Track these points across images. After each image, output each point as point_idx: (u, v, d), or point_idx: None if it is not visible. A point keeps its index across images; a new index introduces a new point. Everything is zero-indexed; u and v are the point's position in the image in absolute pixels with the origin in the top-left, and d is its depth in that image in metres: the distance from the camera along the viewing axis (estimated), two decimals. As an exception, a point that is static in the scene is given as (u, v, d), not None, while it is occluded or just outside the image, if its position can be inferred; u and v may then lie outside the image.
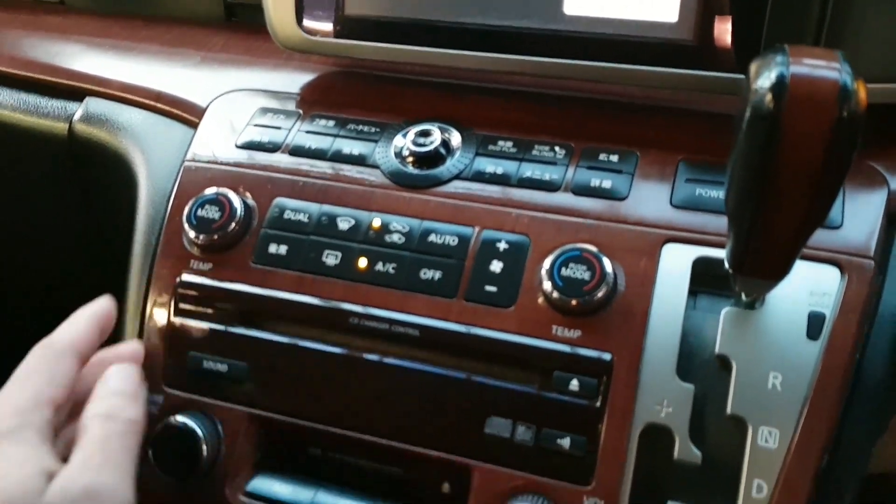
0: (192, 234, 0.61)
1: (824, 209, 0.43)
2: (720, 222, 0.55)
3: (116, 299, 0.66)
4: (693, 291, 0.55)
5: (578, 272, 0.53)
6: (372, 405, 0.56)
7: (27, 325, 1.11)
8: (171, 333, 0.61)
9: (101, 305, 0.59)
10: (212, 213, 0.61)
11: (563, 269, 0.54)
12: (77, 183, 0.80)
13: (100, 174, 0.77)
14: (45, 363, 0.52)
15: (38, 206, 0.87)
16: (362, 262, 0.59)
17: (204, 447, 0.57)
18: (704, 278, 0.55)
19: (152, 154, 0.71)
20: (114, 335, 0.64)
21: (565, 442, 0.52)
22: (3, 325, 1.05)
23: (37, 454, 0.47)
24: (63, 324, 0.56)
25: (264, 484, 0.58)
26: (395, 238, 0.59)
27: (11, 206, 0.89)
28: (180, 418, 0.57)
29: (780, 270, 0.47)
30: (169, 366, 0.60)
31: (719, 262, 0.54)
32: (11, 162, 0.84)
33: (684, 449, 0.50)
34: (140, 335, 0.62)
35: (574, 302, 0.53)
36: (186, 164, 0.67)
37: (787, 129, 0.39)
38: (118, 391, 0.53)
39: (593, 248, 0.55)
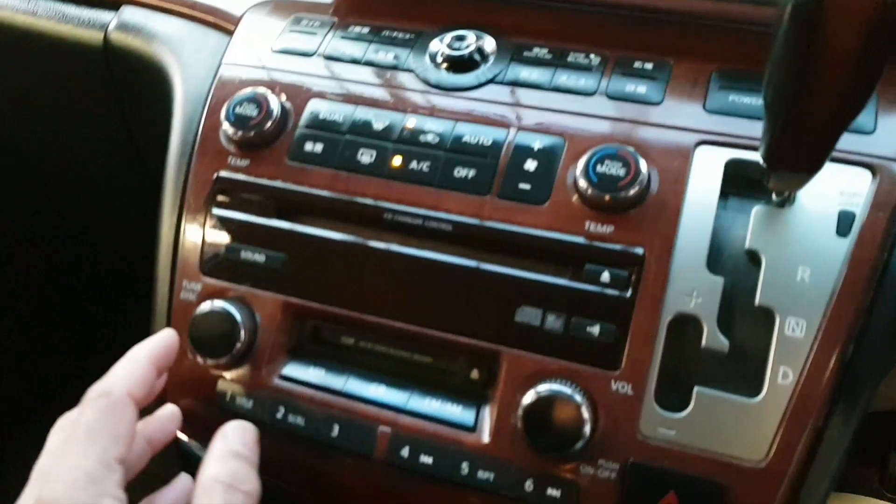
0: (230, 130, 0.62)
1: (862, 98, 0.43)
2: (753, 128, 0.56)
3: (153, 200, 0.67)
4: (724, 193, 0.56)
5: (613, 169, 0.54)
6: (405, 295, 0.58)
7: (67, 231, 1.14)
8: (209, 226, 0.62)
9: (161, 342, 0.56)
10: (249, 110, 0.62)
11: (599, 166, 0.55)
12: (112, 91, 0.81)
13: (135, 82, 0.78)
14: (106, 418, 0.48)
15: (75, 115, 0.88)
16: (397, 161, 0.60)
17: (241, 332, 0.59)
18: (736, 181, 0.56)
19: (188, 61, 0.72)
20: (150, 235, 0.66)
21: (595, 329, 0.53)
22: (44, 235, 1.07)
23: None
24: (119, 364, 0.53)
25: (298, 369, 0.60)
26: (430, 138, 0.60)
27: (48, 116, 0.90)
28: (218, 303, 0.59)
29: (814, 162, 0.47)
30: (207, 256, 0.62)
31: (752, 164, 0.55)
32: (48, 71, 0.85)
33: (712, 337, 0.51)
34: (177, 230, 0.64)
35: (607, 197, 0.54)
36: (223, 67, 0.68)
37: (829, 13, 0.39)
38: (239, 455, 0.50)
39: (629, 147, 0.55)
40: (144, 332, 0.61)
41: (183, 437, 0.64)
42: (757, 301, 0.52)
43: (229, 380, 0.60)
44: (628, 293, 0.53)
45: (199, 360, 0.60)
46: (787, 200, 0.53)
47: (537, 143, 0.58)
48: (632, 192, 0.54)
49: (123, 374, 0.52)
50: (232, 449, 0.50)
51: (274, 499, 0.56)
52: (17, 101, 0.90)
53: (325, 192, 0.60)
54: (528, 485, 0.54)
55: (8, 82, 0.90)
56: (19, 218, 1.32)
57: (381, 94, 0.63)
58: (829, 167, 0.52)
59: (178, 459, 0.66)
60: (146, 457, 0.57)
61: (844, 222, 0.52)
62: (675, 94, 0.59)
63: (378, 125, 0.61)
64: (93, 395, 0.50)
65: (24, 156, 1.02)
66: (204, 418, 0.62)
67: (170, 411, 0.60)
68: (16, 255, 1.48)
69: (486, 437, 0.55)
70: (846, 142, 0.53)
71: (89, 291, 1.66)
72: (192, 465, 0.65)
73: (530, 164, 0.57)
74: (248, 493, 0.48)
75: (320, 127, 0.62)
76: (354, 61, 0.66)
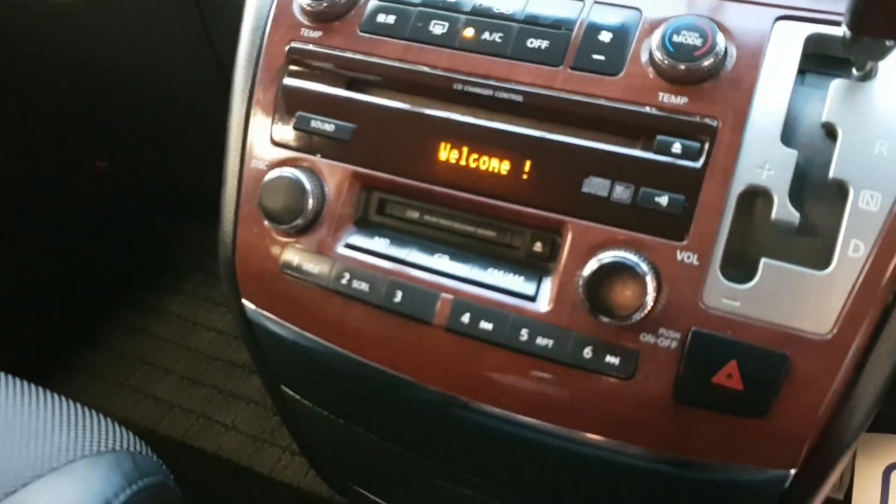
0: (304, 2, 0.63)
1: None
2: (836, 3, 0.55)
3: (224, 77, 0.68)
4: (802, 71, 0.54)
5: (690, 38, 0.54)
6: (471, 165, 0.58)
7: (138, 140, 1.17)
8: (281, 95, 0.63)
9: None
10: (323, -20, 0.62)
11: (675, 37, 0.54)
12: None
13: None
14: None
15: (149, 5, 0.90)
16: (468, 32, 0.60)
17: (310, 199, 0.60)
18: (815, 58, 0.55)
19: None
20: (220, 113, 0.67)
21: (663, 200, 0.53)
22: (115, 144, 1.10)
23: None
24: None
25: (364, 239, 0.61)
26: (504, 9, 0.60)
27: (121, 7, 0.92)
28: (288, 170, 0.60)
29: (901, 27, 0.46)
30: (277, 125, 0.63)
31: (833, 38, 0.54)
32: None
33: (782, 209, 0.51)
34: (249, 101, 0.65)
35: (683, 66, 0.53)
36: (296, -56, 0.68)
37: None
38: None
39: (706, 19, 0.55)
40: (205, 247, 0.63)
41: (249, 304, 0.66)
42: (831, 174, 0.51)
43: (296, 246, 0.62)
44: (699, 164, 0.53)
45: (268, 226, 0.62)
46: (868, 75, 0.52)
47: (613, 15, 0.57)
48: (706, 62, 0.53)
49: None
50: None
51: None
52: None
53: (395, 63, 0.61)
54: (587, 352, 0.55)
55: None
56: (90, 124, 1.35)
57: (453, -30, 0.63)
58: (914, 42, 0.51)
59: (243, 327, 0.68)
60: None
61: (928, 96, 0.51)
62: (756, -28, 0.58)
63: (451, -2, 0.61)
64: None
65: (97, 56, 1.05)
66: (269, 286, 0.64)
67: None
68: (88, 164, 1.52)
69: (546, 306, 0.56)
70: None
71: (155, 206, 1.70)
72: (255, 332, 0.67)
73: (605, 36, 0.57)
74: None
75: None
76: (427, -61, 0.65)
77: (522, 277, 0.58)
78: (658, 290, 0.53)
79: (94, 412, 0.85)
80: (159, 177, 1.58)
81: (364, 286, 0.60)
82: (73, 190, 1.57)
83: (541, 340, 0.56)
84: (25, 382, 0.86)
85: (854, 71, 0.52)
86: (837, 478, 0.59)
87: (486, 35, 0.59)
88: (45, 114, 1.37)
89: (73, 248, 1.63)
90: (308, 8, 0.63)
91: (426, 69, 0.60)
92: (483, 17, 0.60)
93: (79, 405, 0.85)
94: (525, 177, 0.57)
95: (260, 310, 0.66)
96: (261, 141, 0.64)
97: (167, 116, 1.16)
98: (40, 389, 0.86)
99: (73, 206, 1.59)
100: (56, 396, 0.86)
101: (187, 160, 1.38)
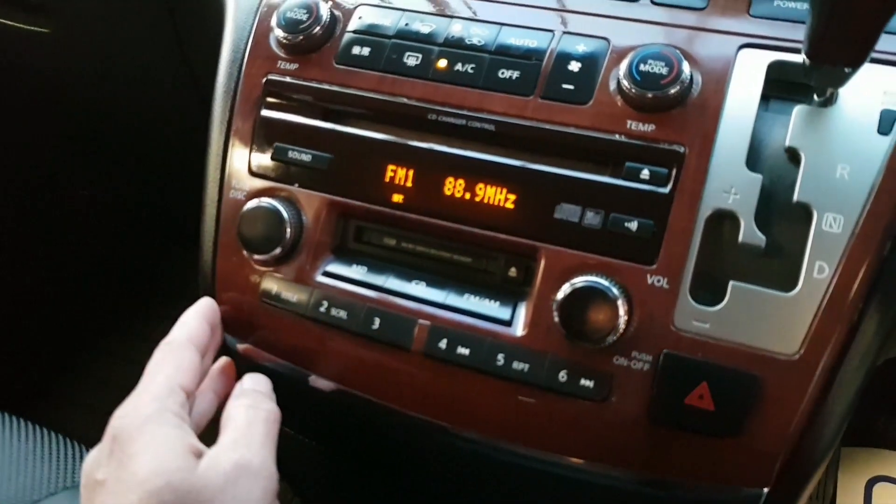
0: (280, 34, 0.64)
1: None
2: (797, 31, 0.56)
3: (203, 109, 0.69)
4: (766, 97, 0.56)
5: (657, 67, 0.55)
6: (445, 193, 0.59)
7: (120, 170, 1.17)
8: (258, 126, 0.64)
9: (204, 304, 0.63)
10: (300, 14, 0.64)
11: (642, 66, 0.55)
12: (166, 6, 0.83)
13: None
14: (170, 356, 0.56)
15: (128, 34, 0.90)
16: (441, 63, 0.61)
17: (287, 228, 0.61)
18: (778, 84, 0.56)
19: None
20: (201, 140, 0.68)
21: (632, 225, 0.54)
22: (98, 174, 1.10)
23: (180, 434, 0.50)
24: (176, 324, 0.60)
25: (341, 267, 0.62)
26: (475, 41, 0.61)
27: (101, 38, 0.92)
28: (266, 200, 0.61)
29: (857, 55, 0.48)
30: (255, 156, 0.64)
31: (794, 65, 0.55)
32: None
33: (749, 233, 0.52)
34: (227, 132, 0.66)
35: (650, 95, 0.55)
36: (273, -22, 0.69)
37: None
38: (255, 389, 0.58)
39: (672, 48, 0.56)
40: (190, 272, 0.64)
41: (228, 336, 0.67)
42: (795, 198, 0.52)
43: (275, 275, 0.63)
44: (667, 189, 0.54)
45: (247, 255, 0.63)
46: (829, 100, 0.54)
47: (581, 45, 0.59)
48: (673, 90, 0.55)
49: (181, 327, 0.60)
50: (247, 387, 0.58)
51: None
52: (68, 20, 0.93)
53: (370, 94, 0.62)
54: (562, 375, 0.55)
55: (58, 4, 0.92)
56: (72, 154, 1.35)
57: (427, 1, 0.64)
58: (872, 68, 0.53)
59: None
60: (214, 406, 0.62)
61: (887, 120, 0.52)
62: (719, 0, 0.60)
63: (424, 29, 0.62)
64: (160, 346, 0.57)
65: (77, 85, 1.05)
66: (248, 314, 0.65)
67: (226, 362, 0.65)
68: (70, 194, 1.52)
69: (521, 330, 0.57)
70: (890, 43, 0.53)
71: (139, 233, 1.70)
72: (236, 361, 0.67)
73: (574, 66, 0.58)
74: (267, 410, 0.56)
75: (367, 31, 0.63)
76: (401, -28, 0.67)
77: (498, 303, 0.59)
78: (630, 313, 0.54)
79: (75, 443, 0.85)
80: (142, 203, 1.58)
81: (342, 314, 0.61)
82: (55, 218, 1.57)
83: (517, 365, 0.56)
84: (6, 414, 0.86)
85: (815, 97, 0.54)
86: (817, 493, 0.59)
87: (458, 66, 0.60)
88: (27, 144, 1.37)
89: (56, 277, 1.62)
90: (284, 41, 0.64)
91: (400, 100, 0.61)
92: (456, 49, 0.61)
93: (60, 436, 0.85)
94: (497, 204, 0.58)
95: (240, 340, 0.66)
96: (239, 171, 0.65)
97: (148, 143, 1.17)
98: (21, 421, 0.86)
99: (55, 234, 1.59)
100: (37, 427, 0.86)
101: (169, 186, 1.39)
